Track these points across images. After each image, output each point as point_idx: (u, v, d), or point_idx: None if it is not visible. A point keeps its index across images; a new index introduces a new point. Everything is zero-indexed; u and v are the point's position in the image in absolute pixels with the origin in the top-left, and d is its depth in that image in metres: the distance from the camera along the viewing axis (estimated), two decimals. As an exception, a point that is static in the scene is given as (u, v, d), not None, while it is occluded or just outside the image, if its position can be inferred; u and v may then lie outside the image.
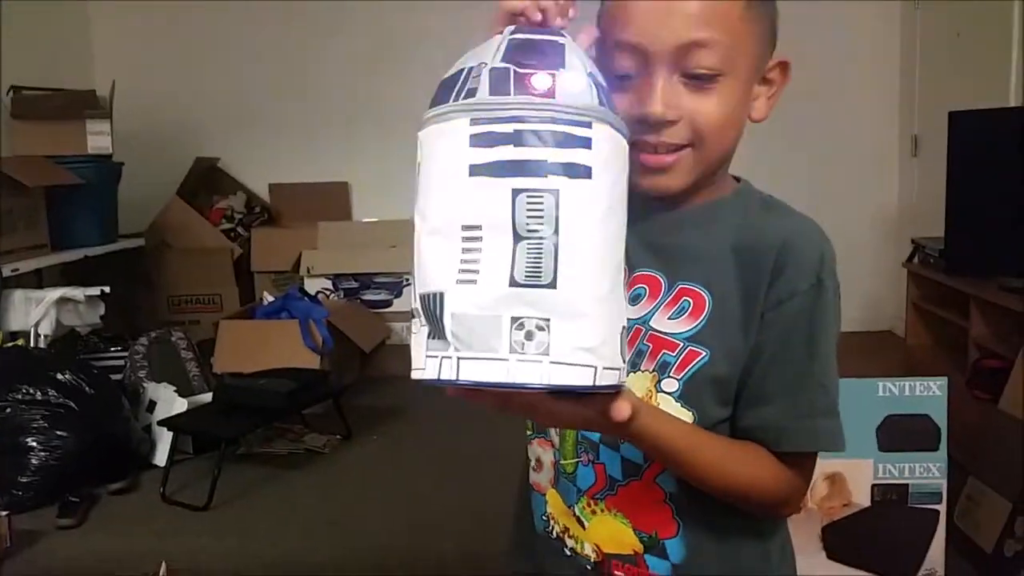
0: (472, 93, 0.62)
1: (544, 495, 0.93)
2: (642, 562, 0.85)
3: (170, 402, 3.21)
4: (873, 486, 2.12)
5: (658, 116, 0.76)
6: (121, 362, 3.52)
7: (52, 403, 2.87)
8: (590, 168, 0.61)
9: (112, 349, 3.63)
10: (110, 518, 2.78)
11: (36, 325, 3.27)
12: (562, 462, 0.89)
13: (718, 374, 0.81)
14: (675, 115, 0.76)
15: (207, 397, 3.30)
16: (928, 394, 2.09)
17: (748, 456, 0.81)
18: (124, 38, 4.78)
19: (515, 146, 0.60)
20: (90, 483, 2.89)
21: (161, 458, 3.07)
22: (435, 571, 2.40)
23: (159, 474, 2.95)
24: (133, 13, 4.77)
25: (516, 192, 0.60)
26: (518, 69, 0.62)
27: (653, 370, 0.82)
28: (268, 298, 4.11)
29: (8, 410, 2.83)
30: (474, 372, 0.60)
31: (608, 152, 0.62)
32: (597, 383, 0.61)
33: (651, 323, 0.83)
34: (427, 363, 0.63)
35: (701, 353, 0.80)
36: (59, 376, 2.93)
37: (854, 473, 2.11)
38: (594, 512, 0.87)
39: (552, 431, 0.90)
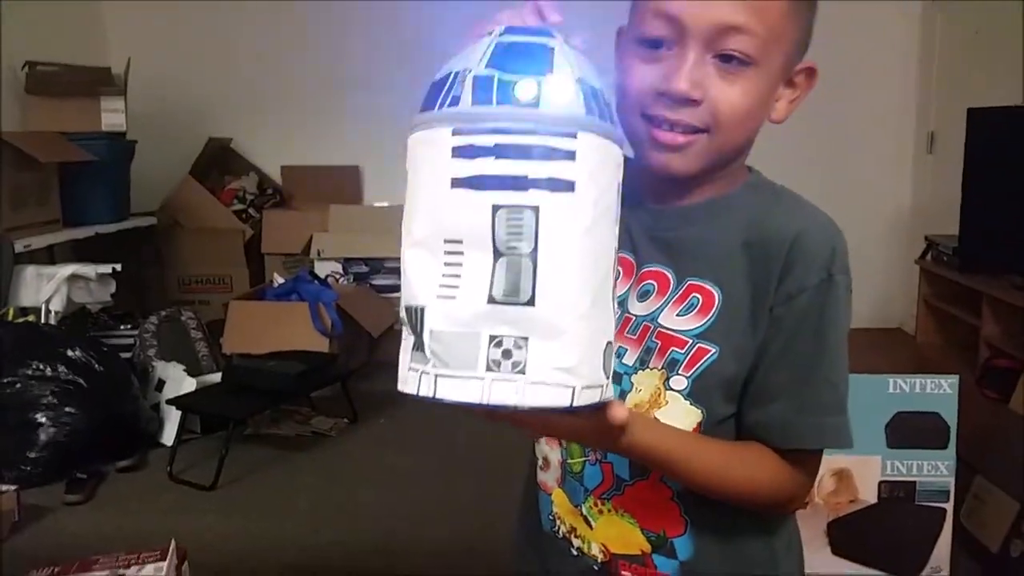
0: (456, 101, 0.60)
1: (550, 495, 0.92)
2: (650, 562, 0.85)
3: (179, 381, 3.23)
4: (880, 483, 2.12)
5: (682, 93, 0.74)
6: (131, 340, 3.54)
7: (62, 379, 2.88)
8: (573, 182, 0.59)
9: (122, 327, 3.64)
10: (117, 495, 2.79)
11: (47, 301, 3.28)
12: (569, 461, 0.88)
13: (727, 371, 0.80)
14: (699, 95, 0.75)
15: (216, 377, 3.31)
16: (939, 392, 2.08)
17: (748, 458, 0.80)
18: (138, 17, 4.77)
19: (496, 159, 0.58)
20: (98, 460, 2.90)
21: (169, 437, 3.09)
22: (438, 554, 2.40)
23: (167, 453, 2.97)
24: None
25: (496, 207, 0.58)
26: (502, 76, 0.59)
27: (662, 368, 0.80)
28: (278, 280, 4.12)
29: (18, 385, 2.84)
30: (451, 391, 0.59)
31: (595, 163, 0.60)
32: (575, 403, 0.60)
33: (659, 320, 0.81)
34: (408, 376, 0.62)
35: (710, 350, 0.79)
36: (69, 353, 2.94)
37: (862, 469, 2.11)
38: (601, 512, 0.86)
39: None
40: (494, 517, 2.56)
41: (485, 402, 0.58)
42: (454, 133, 0.59)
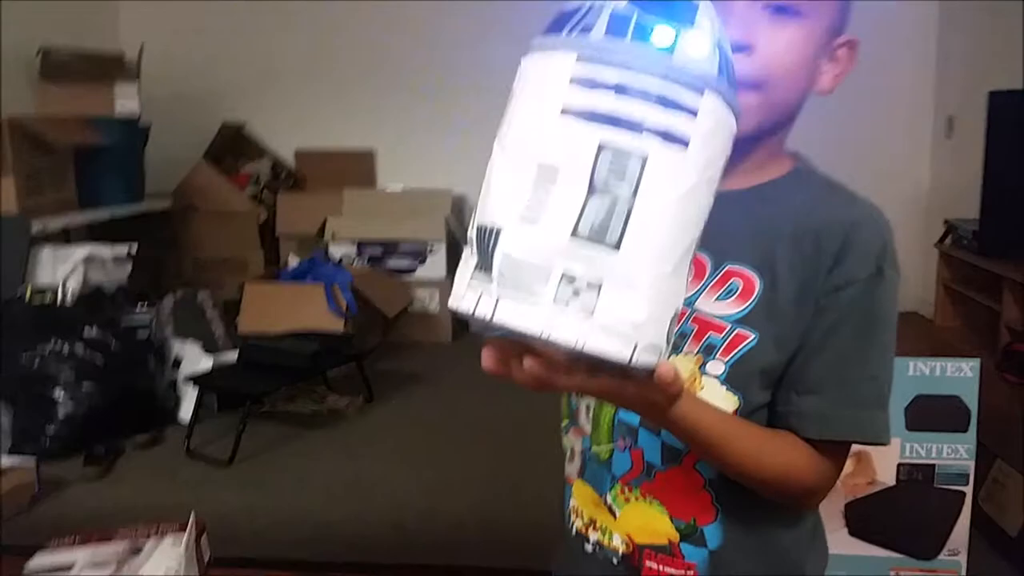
0: (587, 29, 0.57)
1: (572, 486, 0.90)
2: (677, 551, 0.83)
3: (196, 359, 3.24)
4: (899, 465, 2.10)
5: (735, 39, 0.72)
6: (147, 320, 3.54)
7: (79, 357, 2.90)
8: (688, 139, 0.57)
9: (139, 307, 3.65)
10: (135, 470, 2.81)
11: (64, 281, 3.30)
12: (594, 448, 0.86)
13: (766, 359, 0.78)
14: (751, 40, 0.74)
15: (232, 356, 3.32)
16: (960, 375, 2.06)
17: (782, 446, 0.79)
18: (151, 2, 4.77)
19: (616, 95, 0.56)
20: (116, 436, 2.93)
21: (186, 414, 3.11)
22: (451, 532, 2.41)
23: (184, 429, 2.99)
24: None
25: (603, 145, 0.56)
26: (642, 17, 0.57)
27: (697, 352, 0.79)
28: (293, 262, 4.13)
29: (37, 362, 2.86)
30: (511, 315, 0.56)
31: (712, 127, 0.58)
32: (634, 360, 0.57)
33: (696, 304, 0.80)
34: (467, 293, 0.59)
35: (749, 336, 0.78)
36: (86, 331, 2.96)
37: (880, 451, 2.09)
38: (628, 499, 0.84)
39: (583, 418, 0.87)
40: (508, 493, 2.57)
41: (545, 334, 0.55)
42: (578, 60, 0.57)
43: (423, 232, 4.35)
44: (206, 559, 1.58)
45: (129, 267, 3.50)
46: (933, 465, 2.10)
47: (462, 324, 4.40)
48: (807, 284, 0.78)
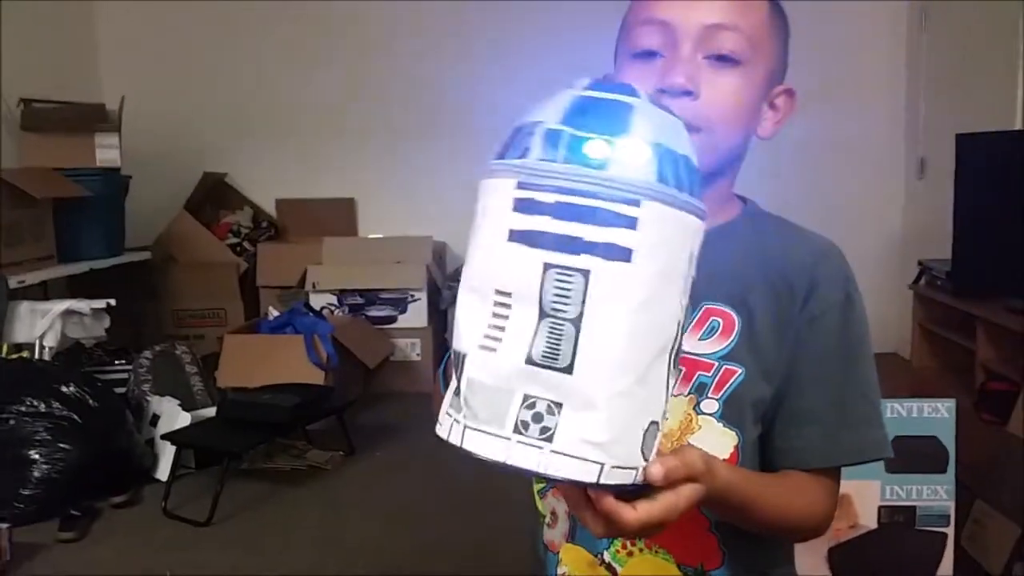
0: (525, 153, 0.59)
1: (557, 553, 0.89)
2: None
3: (173, 416, 3.21)
4: (880, 508, 2.11)
5: (680, 85, 0.77)
6: (125, 375, 3.52)
7: (56, 415, 2.86)
8: (630, 251, 0.57)
9: (116, 362, 3.63)
10: (111, 532, 2.76)
11: (41, 337, 3.27)
12: None
13: (755, 392, 0.81)
14: (694, 87, 0.77)
15: (211, 411, 3.29)
16: (936, 416, 2.08)
17: (800, 487, 0.81)
18: (132, 54, 4.81)
19: (553, 217, 0.56)
20: (92, 496, 2.88)
21: (163, 472, 3.06)
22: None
23: (161, 488, 2.94)
24: (140, 28, 4.80)
25: (547, 266, 0.56)
26: (574, 132, 0.58)
27: (689, 393, 0.81)
28: (273, 313, 4.11)
29: (12, 422, 2.82)
30: (476, 444, 0.58)
31: (658, 235, 0.57)
32: (602, 481, 0.58)
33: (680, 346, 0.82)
34: (443, 419, 0.62)
35: (737, 371, 0.80)
36: (63, 388, 2.92)
37: (861, 494, 2.09)
38: (631, 553, 0.84)
39: None
40: (494, 549, 2.54)
41: (506, 462, 0.57)
42: (518, 186, 0.58)
43: (404, 280, 4.35)
44: (183, 625, 1.56)
45: (107, 321, 3.47)
46: (914, 507, 2.11)
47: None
48: (783, 317, 0.81)
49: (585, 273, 0.56)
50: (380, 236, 4.77)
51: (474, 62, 4.64)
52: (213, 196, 4.87)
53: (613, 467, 0.58)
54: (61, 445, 2.82)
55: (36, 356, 3.25)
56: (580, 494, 0.63)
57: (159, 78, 4.77)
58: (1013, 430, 2.63)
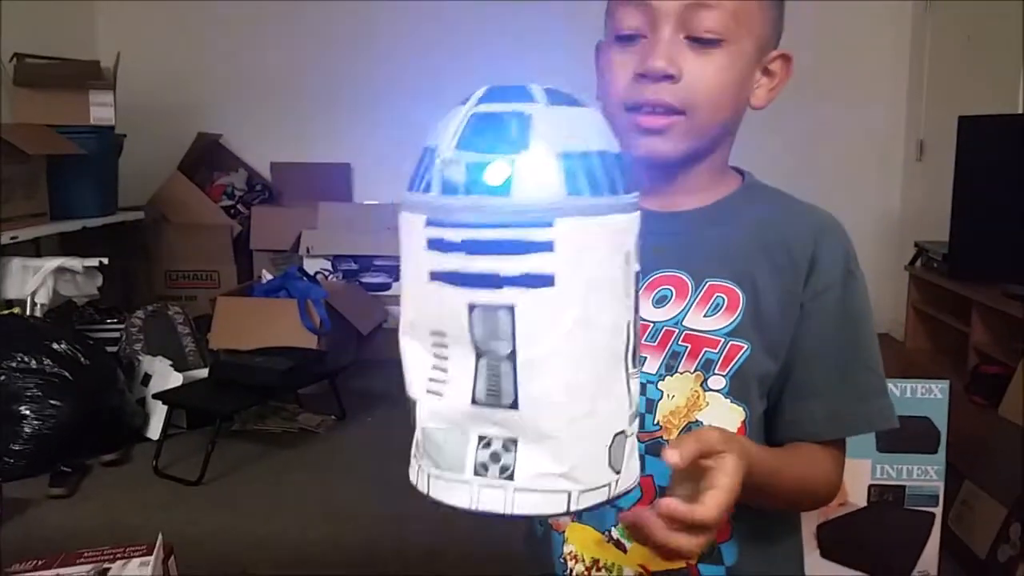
0: (428, 187, 0.55)
1: (562, 532, 0.88)
2: (695, 571, 0.84)
3: (165, 376, 3.20)
4: (870, 486, 2.12)
5: (659, 69, 0.76)
6: (117, 334, 3.51)
7: (47, 372, 2.85)
8: (552, 276, 0.53)
9: (108, 321, 3.62)
10: (101, 489, 2.77)
11: (33, 294, 3.25)
12: None
13: (762, 368, 0.81)
14: (675, 71, 0.76)
15: (202, 372, 3.29)
16: (929, 397, 2.09)
17: (815, 458, 0.82)
18: (129, 11, 4.74)
19: (467, 254, 0.53)
20: (83, 454, 2.88)
21: (155, 431, 3.06)
22: (424, 553, 2.39)
23: (152, 447, 2.94)
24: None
25: (472, 306, 0.53)
26: (471, 158, 0.53)
27: (696, 370, 0.81)
28: (267, 276, 4.10)
29: (2, 378, 2.81)
30: (442, 493, 0.57)
31: (579, 248, 0.53)
32: (573, 508, 0.56)
33: (685, 323, 0.82)
34: (412, 467, 0.61)
35: (743, 347, 0.80)
36: (55, 346, 2.92)
37: (852, 473, 2.10)
38: None
39: None
40: (481, 518, 2.55)
41: (474, 508, 0.56)
42: (427, 224, 0.54)
43: (398, 248, 4.32)
44: (173, 583, 1.56)
45: (100, 280, 3.45)
46: (903, 486, 2.13)
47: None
48: (786, 292, 0.81)
49: (510, 308, 0.53)
50: (376, 202, 4.74)
51: (475, 25, 4.58)
52: (207, 157, 4.83)
53: (582, 492, 0.56)
54: (52, 402, 2.82)
55: (28, 313, 3.23)
56: (646, 523, 0.64)
57: (155, 36, 4.71)
58: (1004, 413, 2.64)
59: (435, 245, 0.54)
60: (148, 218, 4.35)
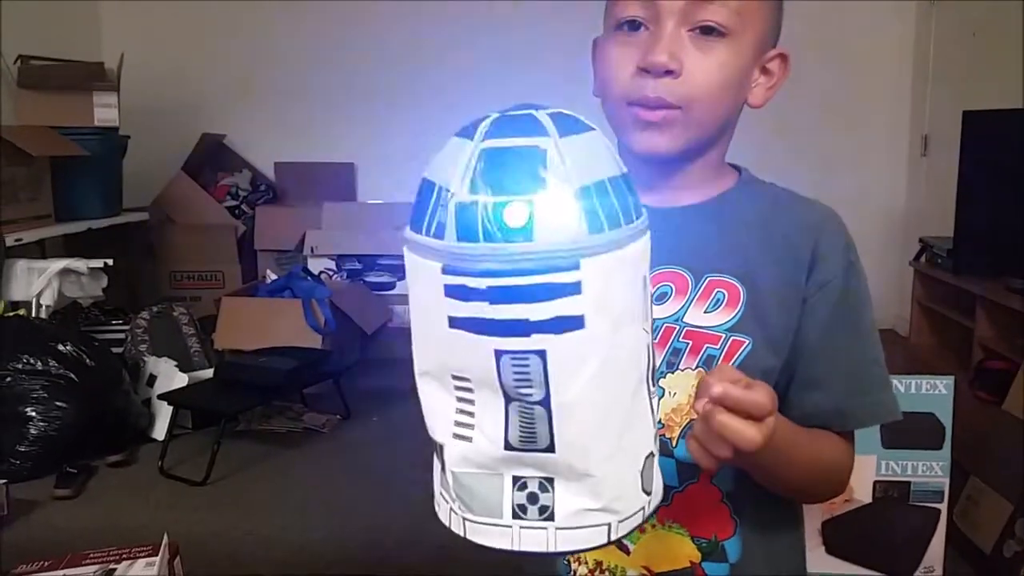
0: (441, 230, 0.52)
1: None
2: (700, 571, 0.83)
3: (170, 376, 3.21)
4: (875, 483, 2.12)
5: (662, 64, 0.75)
6: (122, 335, 3.52)
7: (52, 374, 2.86)
8: (582, 317, 0.51)
9: (113, 322, 3.62)
10: (107, 490, 2.77)
11: (38, 296, 3.26)
12: None
13: (764, 363, 0.80)
14: (676, 66, 0.75)
15: (207, 373, 3.29)
16: (934, 393, 2.09)
17: (827, 440, 0.81)
18: (133, 12, 4.75)
19: (490, 303, 0.50)
20: (88, 455, 2.89)
21: (160, 432, 3.07)
22: (431, 552, 2.39)
23: (157, 448, 2.95)
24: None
25: (499, 353, 0.51)
26: (487, 200, 0.51)
27: (697, 366, 0.80)
28: (271, 276, 4.10)
29: (8, 379, 2.82)
30: (479, 535, 0.57)
31: (606, 284, 0.52)
32: (614, 537, 0.57)
33: (685, 319, 0.81)
34: (441, 504, 0.60)
35: (745, 342, 0.79)
36: (60, 347, 2.92)
37: (856, 469, 2.08)
38: (643, 531, 0.82)
39: None
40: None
41: (517, 549, 0.55)
42: (444, 271, 0.51)
43: (407, 286, 4.31)
44: (179, 583, 1.57)
45: (105, 281, 3.46)
46: (908, 482, 2.12)
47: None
48: (788, 286, 0.80)
49: (541, 353, 0.51)
50: (379, 202, 4.74)
51: (479, 25, 4.59)
52: (211, 158, 4.84)
53: (620, 521, 0.57)
54: (58, 403, 2.83)
55: (33, 314, 3.24)
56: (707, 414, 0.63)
57: (159, 37, 4.72)
58: (1009, 408, 2.63)
59: (455, 292, 0.51)
60: (153, 219, 4.36)
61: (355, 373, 3.67)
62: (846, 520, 2.10)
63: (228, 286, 4.34)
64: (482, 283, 0.50)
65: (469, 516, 0.57)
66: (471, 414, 0.55)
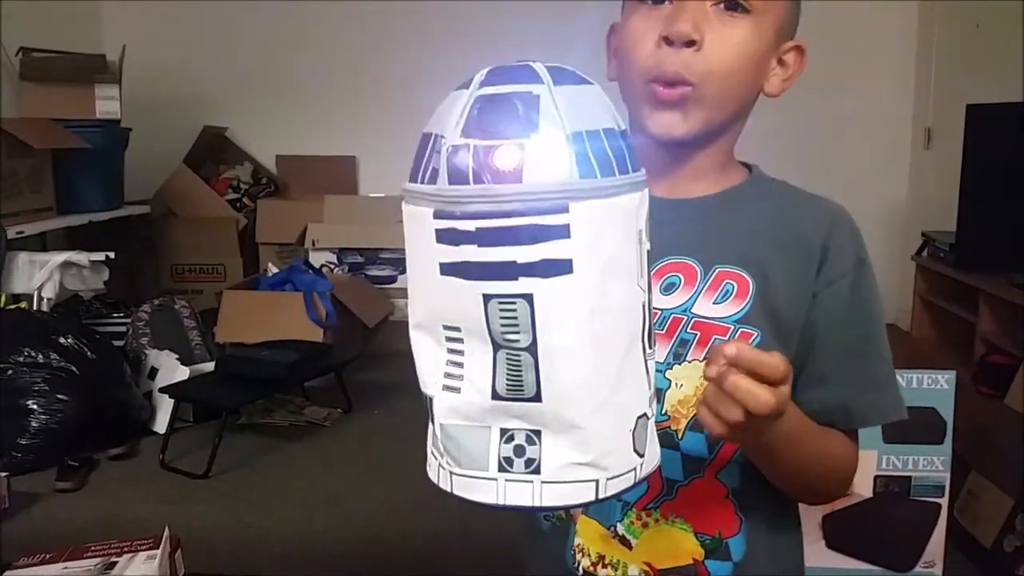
0: (435, 176, 0.53)
1: (574, 524, 0.87)
2: (703, 569, 0.82)
3: (172, 370, 3.21)
4: (876, 477, 2.12)
5: (685, 34, 0.74)
6: (123, 328, 3.52)
7: (54, 367, 2.86)
8: (570, 261, 0.51)
9: (115, 315, 3.63)
10: (109, 483, 2.78)
11: (39, 288, 3.26)
12: None
13: None
14: (699, 36, 0.75)
15: (209, 366, 3.30)
16: (936, 387, 2.08)
17: (833, 435, 0.80)
18: (134, 4, 4.74)
19: (479, 245, 0.51)
20: (90, 448, 2.89)
21: (161, 425, 3.08)
22: (432, 545, 2.40)
23: (159, 441, 2.95)
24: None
25: (487, 297, 0.52)
26: (479, 143, 0.51)
27: (705, 358, 0.78)
28: (272, 270, 4.10)
29: (10, 372, 2.82)
30: (466, 490, 0.56)
31: (596, 231, 0.52)
32: (601, 495, 0.56)
33: (693, 310, 0.80)
34: (431, 464, 0.60)
35: (753, 334, 0.79)
36: (61, 340, 2.92)
37: (857, 463, 2.11)
38: (646, 525, 0.83)
39: None
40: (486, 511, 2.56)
41: (501, 503, 0.55)
42: (435, 216, 0.52)
43: (404, 241, 4.32)
44: (181, 574, 1.57)
45: (106, 274, 3.47)
46: (909, 477, 2.12)
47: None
48: (798, 281, 0.80)
49: (528, 297, 0.51)
50: (381, 195, 4.74)
51: (481, 16, 4.57)
52: (213, 151, 4.84)
53: (609, 479, 0.56)
54: (59, 396, 2.83)
55: (34, 307, 3.25)
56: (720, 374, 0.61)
57: (161, 29, 4.72)
58: (1011, 403, 2.63)
59: (445, 237, 0.52)
60: (154, 212, 4.36)
61: (356, 367, 3.67)
62: (847, 515, 2.10)
63: (230, 279, 4.34)
64: (471, 225, 0.51)
65: (456, 470, 0.56)
66: (460, 365, 0.55)
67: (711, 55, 0.76)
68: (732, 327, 0.79)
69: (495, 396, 0.54)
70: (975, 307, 3.25)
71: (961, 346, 3.43)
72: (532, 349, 0.52)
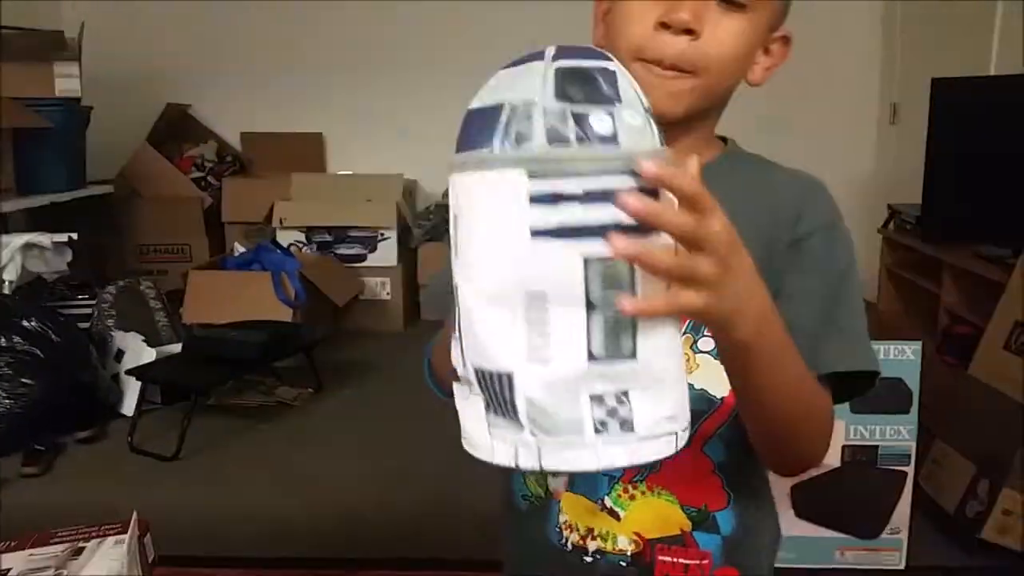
0: (522, 138, 0.54)
1: (559, 500, 0.87)
2: (690, 540, 0.83)
3: (138, 351, 3.17)
4: (843, 447, 2.15)
5: (684, 22, 0.75)
6: (88, 310, 3.46)
7: (17, 350, 2.81)
8: None
9: (79, 297, 3.56)
10: (76, 467, 2.75)
11: (1, 271, 3.20)
12: None
13: None
14: (699, 26, 0.76)
15: (176, 347, 3.26)
16: (902, 358, 2.11)
17: (812, 379, 0.75)
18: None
19: (584, 205, 0.52)
20: (56, 431, 2.85)
21: (129, 407, 3.04)
22: (405, 524, 2.40)
23: (127, 423, 2.92)
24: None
25: (589, 258, 0.53)
26: (576, 109, 0.54)
27: (685, 332, 0.79)
28: (239, 249, 4.06)
29: (-29, 356, 2.77)
30: (560, 462, 0.56)
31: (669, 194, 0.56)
32: (680, 446, 0.58)
33: None
34: (496, 445, 0.58)
35: None
36: (25, 323, 2.87)
37: (825, 434, 2.14)
38: (632, 497, 0.84)
39: None
40: (461, 485, 2.56)
41: (601, 468, 0.56)
42: (531, 176, 0.52)
43: (374, 219, 4.30)
44: (151, 559, 1.55)
45: (69, 255, 3.40)
46: (876, 446, 2.16)
47: (414, 312, 4.37)
48: (771, 249, 0.80)
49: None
50: (350, 173, 4.70)
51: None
52: (177, 129, 4.75)
53: (682, 430, 0.59)
54: (23, 380, 2.78)
55: (-5, 290, 3.18)
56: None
57: (120, 5, 4.60)
58: (974, 373, 2.68)
59: (544, 198, 0.52)
60: (117, 192, 4.28)
61: (327, 346, 3.64)
62: (815, 484, 2.13)
63: (196, 259, 4.29)
64: (576, 185, 0.52)
65: (547, 441, 0.56)
66: (546, 335, 0.54)
67: (707, 47, 0.76)
68: None
69: (591, 358, 0.54)
70: (940, 279, 3.30)
71: (926, 317, 3.48)
72: None
